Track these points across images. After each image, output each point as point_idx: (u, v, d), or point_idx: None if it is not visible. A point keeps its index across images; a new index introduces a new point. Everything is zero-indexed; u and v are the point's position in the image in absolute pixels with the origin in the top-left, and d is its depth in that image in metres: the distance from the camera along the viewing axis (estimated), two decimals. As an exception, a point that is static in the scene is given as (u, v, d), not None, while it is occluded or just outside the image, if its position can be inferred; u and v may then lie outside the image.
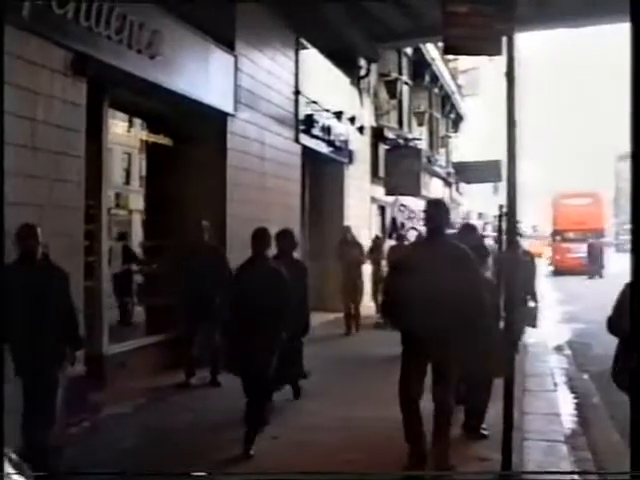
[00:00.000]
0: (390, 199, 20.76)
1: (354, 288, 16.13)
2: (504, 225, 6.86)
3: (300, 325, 9.22)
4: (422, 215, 7.93)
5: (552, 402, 9.71)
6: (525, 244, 13.96)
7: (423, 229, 13.99)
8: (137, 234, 12.21)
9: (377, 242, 17.73)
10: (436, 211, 7.10)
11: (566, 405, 9.66)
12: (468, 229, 9.82)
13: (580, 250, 40.18)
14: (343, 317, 16.15)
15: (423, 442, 6.78)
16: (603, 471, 6.56)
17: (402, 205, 18.00)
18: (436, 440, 6.79)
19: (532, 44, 32.08)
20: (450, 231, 13.45)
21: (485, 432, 7.79)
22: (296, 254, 10.09)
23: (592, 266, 37.22)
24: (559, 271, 39.43)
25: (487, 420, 7.97)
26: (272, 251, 8.53)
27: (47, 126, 7.90)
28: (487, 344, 6.74)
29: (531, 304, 9.84)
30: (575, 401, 9.97)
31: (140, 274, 11.89)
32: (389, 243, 17.26)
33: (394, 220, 18.00)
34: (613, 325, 5.89)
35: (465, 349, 6.57)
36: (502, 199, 7.02)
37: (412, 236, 15.95)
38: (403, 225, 17.33)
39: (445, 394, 6.77)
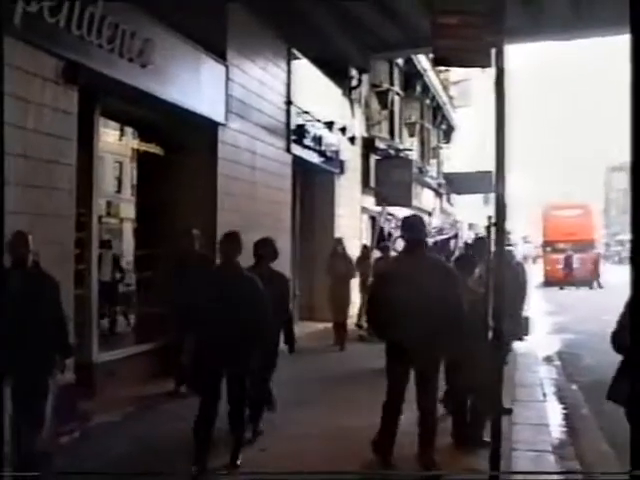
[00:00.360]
0: (378, 208, 20.52)
1: (342, 302, 15.60)
2: (493, 236, 6.90)
3: (274, 348, 8.46)
4: (400, 229, 8.60)
5: (541, 412, 9.73)
6: (517, 255, 13.98)
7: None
8: (128, 242, 12.21)
9: (365, 252, 17.31)
10: (416, 226, 7.78)
11: (555, 415, 9.68)
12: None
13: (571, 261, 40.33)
14: (333, 330, 15.70)
15: (391, 451, 7.26)
16: (603, 471, 6.57)
17: (389, 214, 17.95)
18: (422, 447, 7.13)
19: (523, 55, 32.25)
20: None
21: (487, 439, 7.68)
22: (286, 265, 10.00)
23: (568, 276, 37.93)
24: (549, 282, 39.53)
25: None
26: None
27: (38, 134, 7.91)
28: (479, 353, 6.78)
29: (523, 314, 9.91)
30: (564, 411, 9.98)
31: (130, 283, 11.89)
32: (377, 253, 16.95)
33: (381, 230, 17.58)
34: (618, 340, 5.16)
35: (446, 356, 7.39)
36: (493, 210, 7.06)
37: (400, 246, 15.59)
38: (390, 235, 17.05)
39: (429, 401, 7.17)
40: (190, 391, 7.86)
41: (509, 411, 9.12)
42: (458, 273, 7.64)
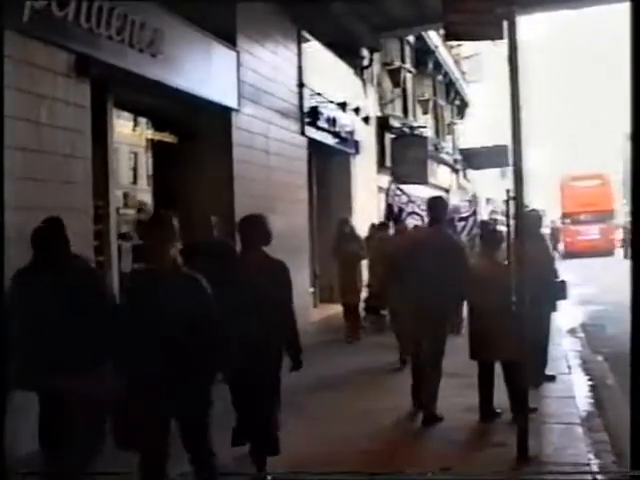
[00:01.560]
0: (386, 184, 19.90)
1: (352, 288, 14.32)
2: (512, 209, 6.90)
3: (274, 358, 6.38)
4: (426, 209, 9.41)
5: (567, 385, 9.72)
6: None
7: (424, 214, 13.84)
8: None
9: (372, 231, 15.91)
10: (439, 207, 8.82)
11: (581, 387, 9.66)
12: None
13: (590, 232, 40.15)
14: (344, 320, 14.61)
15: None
16: (603, 471, 6.55)
17: (398, 189, 16.73)
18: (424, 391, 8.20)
19: (535, 27, 32.00)
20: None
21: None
22: (305, 247, 9.83)
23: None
24: (570, 254, 39.33)
25: (501, 404, 8.00)
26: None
27: (52, 129, 7.91)
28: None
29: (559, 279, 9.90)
30: (590, 383, 9.96)
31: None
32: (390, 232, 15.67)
33: (390, 206, 16.25)
34: None
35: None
36: (510, 184, 7.04)
37: (411, 223, 14.94)
38: (401, 211, 15.84)
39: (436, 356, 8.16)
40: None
41: (552, 377, 9.49)
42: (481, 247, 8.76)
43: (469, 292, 8.03)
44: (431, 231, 8.76)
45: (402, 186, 17.36)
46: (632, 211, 4.96)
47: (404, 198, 16.07)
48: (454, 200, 23.44)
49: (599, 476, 6.44)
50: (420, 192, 18.76)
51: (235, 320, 5.64)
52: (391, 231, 14.73)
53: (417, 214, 15.52)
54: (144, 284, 5.33)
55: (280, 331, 6.33)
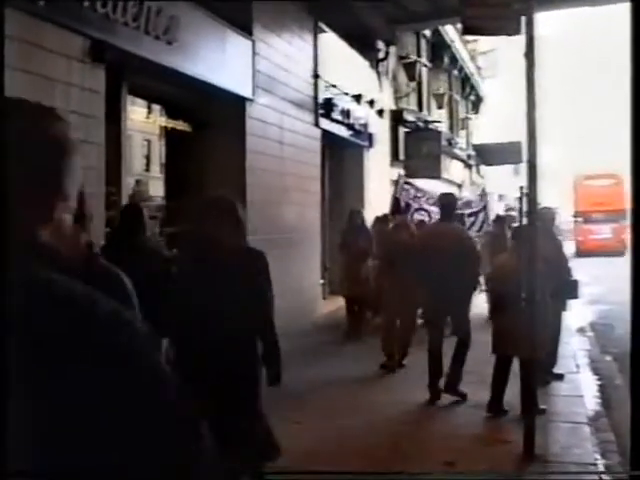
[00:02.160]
0: (395, 177, 19.44)
1: (357, 281, 13.36)
2: (524, 206, 6.87)
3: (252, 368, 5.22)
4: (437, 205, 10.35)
5: (575, 384, 9.70)
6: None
7: (432, 210, 13.62)
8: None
9: (374, 224, 14.77)
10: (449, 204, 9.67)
11: (589, 387, 9.64)
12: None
13: (603, 232, 40.01)
14: (346, 317, 13.90)
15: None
16: (603, 471, 6.53)
17: (406, 183, 15.89)
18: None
19: (552, 23, 31.86)
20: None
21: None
22: (317, 239, 9.81)
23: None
24: (581, 252, 39.22)
25: (509, 402, 7.98)
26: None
27: (66, 113, 7.90)
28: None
29: (571, 277, 9.90)
30: (598, 383, 9.94)
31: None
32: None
33: (397, 200, 15.26)
34: None
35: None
36: (523, 181, 7.01)
37: (417, 219, 14.29)
38: (408, 206, 15.04)
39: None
40: None
41: (561, 376, 9.71)
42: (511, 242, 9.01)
43: (496, 286, 8.23)
44: (443, 226, 9.60)
45: (411, 180, 16.84)
46: (632, 211, 4.94)
47: (412, 193, 15.44)
48: (465, 195, 23.24)
49: (604, 476, 6.43)
50: (433, 187, 18.61)
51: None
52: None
53: (424, 210, 15.01)
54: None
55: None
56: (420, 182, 20.88)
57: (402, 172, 21.19)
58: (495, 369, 8.15)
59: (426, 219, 14.20)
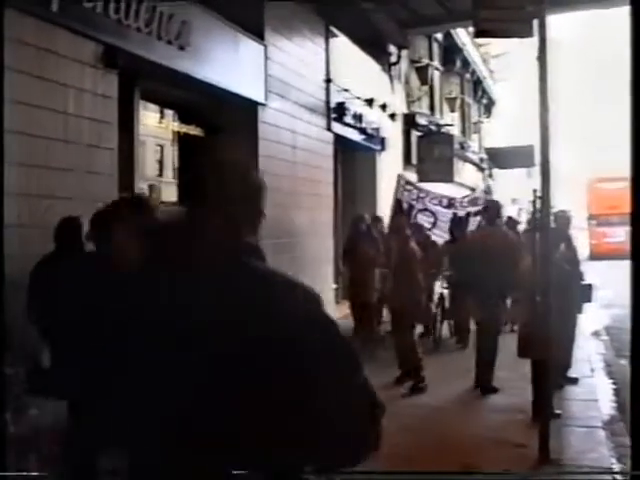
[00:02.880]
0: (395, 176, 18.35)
1: (365, 297, 12.28)
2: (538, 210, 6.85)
3: None
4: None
5: (590, 388, 9.65)
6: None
7: (437, 211, 13.20)
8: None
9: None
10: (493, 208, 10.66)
11: (604, 391, 9.59)
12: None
13: (617, 234, 39.82)
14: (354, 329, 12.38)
15: None
16: (603, 471, 6.49)
17: (408, 183, 14.61)
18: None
19: (565, 25, 31.80)
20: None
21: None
22: (329, 243, 9.73)
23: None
24: (595, 256, 39.04)
25: (523, 406, 7.95)
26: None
27: (79, 119, 7.93)
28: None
29: (585, 282, 9.87)
30: (613, 387, 9.88)
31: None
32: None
33: (398, 202, 14.05)
34: None
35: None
36: (536, 184, 6.98)
37: (423, 222, 13.52)
38: (411, 208, 13.83)
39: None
40: None
41: (575, 380, 9.72)
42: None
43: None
44: (490, 231, 10.28)
45: (413, 180, 15.81)
46: (632, 212, 4.92)
47: (414, 193, 14.48)
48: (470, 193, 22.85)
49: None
50: (444, 190, 18.50)
51: None
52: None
53: (429, 211, 14.02)
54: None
55: None
56: (432, 186, 20.77)
57: (401, 172, 21.10)
58: (532, 371, 8.07)
59: (431, 220, 13.86)
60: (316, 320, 2.25)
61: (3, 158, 5.48)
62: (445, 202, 14.60)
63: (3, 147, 5.49)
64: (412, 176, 21.10)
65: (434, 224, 13.56)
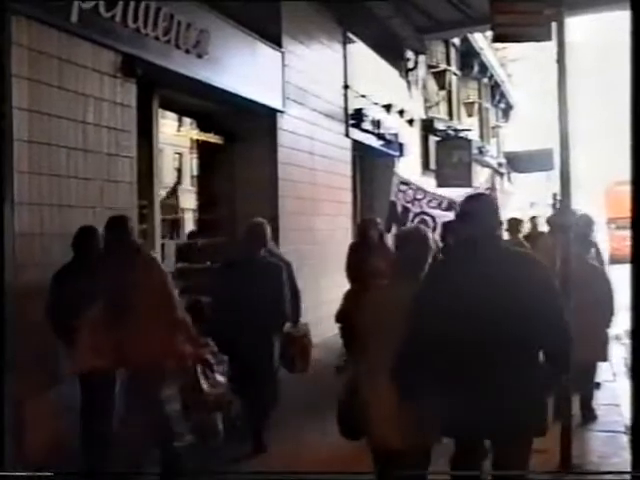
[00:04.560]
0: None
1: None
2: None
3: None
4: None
5: (611, 392, 9.59)
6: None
7: (437, 214, 11.39)
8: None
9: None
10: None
11: (626, 395, 9.52)
12: None
13: (637, 237, 39.59)
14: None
15: None
16: (602, 471, 6.45)
17: (402, 182, 12.54)
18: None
19: (584, 28, 31.68)
20: None
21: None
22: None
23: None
24: (616, 260, 38.82)
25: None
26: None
27: (98, 128, 7.97)
28: None
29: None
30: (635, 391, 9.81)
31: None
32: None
33: (393, 204, 12.11)
34: None
35: None
36: (555, 188, 6.97)
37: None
38: (407, 210, 12.03)
39: None
40: None
41: (597, 385, 9.47)
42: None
43: None
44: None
45: (406, 179, 13.03)
46: (632, 213, 4.89)
47: (409, 195, 12.21)
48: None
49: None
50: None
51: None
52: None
53: (427, 214, 11.91)
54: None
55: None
56: (451, 191, 20.57)
57: (435, 182, 21.02)
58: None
59: (430, 225, 11.31)
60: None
61: (12, 166, 5.53)
62: (445, 204, 12.23)
63: (13, 155, 5.54)
64: (431, 182, 21.11)
65: (434, 229, 11.22)
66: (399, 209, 11.86)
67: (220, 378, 6.81)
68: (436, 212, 11.62)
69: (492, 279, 4.33)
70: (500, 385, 4.25)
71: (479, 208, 4.70)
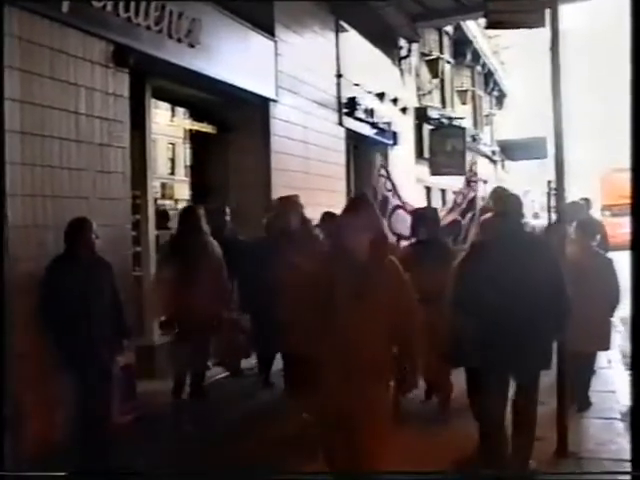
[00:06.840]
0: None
1: None
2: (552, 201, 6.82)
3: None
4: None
5: (607, 379, 9.60)
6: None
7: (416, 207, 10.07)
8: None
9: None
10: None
11: (621, 382, 9.53)
12: None
13: (631, 225, 39.65)
14: None
15: None
16: (602, 471, 6.45)
17: (383, 168, 11.21)
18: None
19: (578, 15, 31.59)
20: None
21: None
22: None
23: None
24: (611, 247, 38.81)
25: (541, 398, 7.89)
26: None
27: (91, 119, 7.93)
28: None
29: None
30: (630, 378, 9.82)
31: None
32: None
33: (375, 192, 10.69)
34: None
35: None
36: (548, 176, 6.96)
37: (399, 220, 10.41)
38: (385, 201, 10.74)
39: None
40: None
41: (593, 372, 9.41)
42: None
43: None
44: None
45: (389, 170, 11.50)
46: (632, 200, 4.91)
47: (389, 184, 10.87)
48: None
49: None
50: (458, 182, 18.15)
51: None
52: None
53: (405, 210, 10.50)
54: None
55: None
56: (446, 179, 20.63)
57: (429, 170, 20.95)
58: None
59: (407, 223, 9.53)
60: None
61: (4, 158, 5.51)
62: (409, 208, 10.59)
63: (4, 147, 5.51)
64: (424, 170, 21.10)
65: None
66: (379, 197, 10.70)
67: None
68: (407, 217, 9.86)
69: (518, 259, 5.77)
70: (525, 335, 5.74)
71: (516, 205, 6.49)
